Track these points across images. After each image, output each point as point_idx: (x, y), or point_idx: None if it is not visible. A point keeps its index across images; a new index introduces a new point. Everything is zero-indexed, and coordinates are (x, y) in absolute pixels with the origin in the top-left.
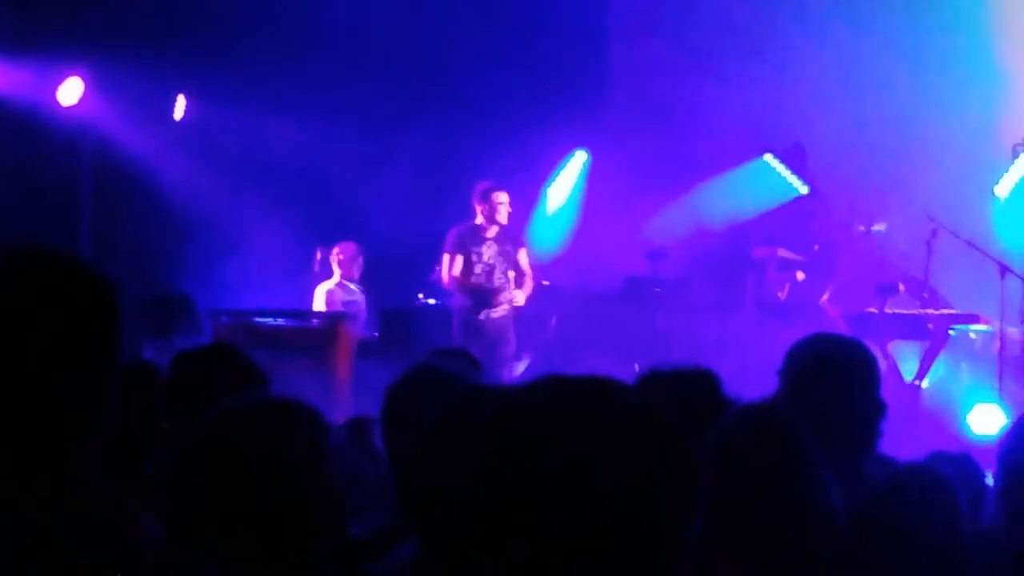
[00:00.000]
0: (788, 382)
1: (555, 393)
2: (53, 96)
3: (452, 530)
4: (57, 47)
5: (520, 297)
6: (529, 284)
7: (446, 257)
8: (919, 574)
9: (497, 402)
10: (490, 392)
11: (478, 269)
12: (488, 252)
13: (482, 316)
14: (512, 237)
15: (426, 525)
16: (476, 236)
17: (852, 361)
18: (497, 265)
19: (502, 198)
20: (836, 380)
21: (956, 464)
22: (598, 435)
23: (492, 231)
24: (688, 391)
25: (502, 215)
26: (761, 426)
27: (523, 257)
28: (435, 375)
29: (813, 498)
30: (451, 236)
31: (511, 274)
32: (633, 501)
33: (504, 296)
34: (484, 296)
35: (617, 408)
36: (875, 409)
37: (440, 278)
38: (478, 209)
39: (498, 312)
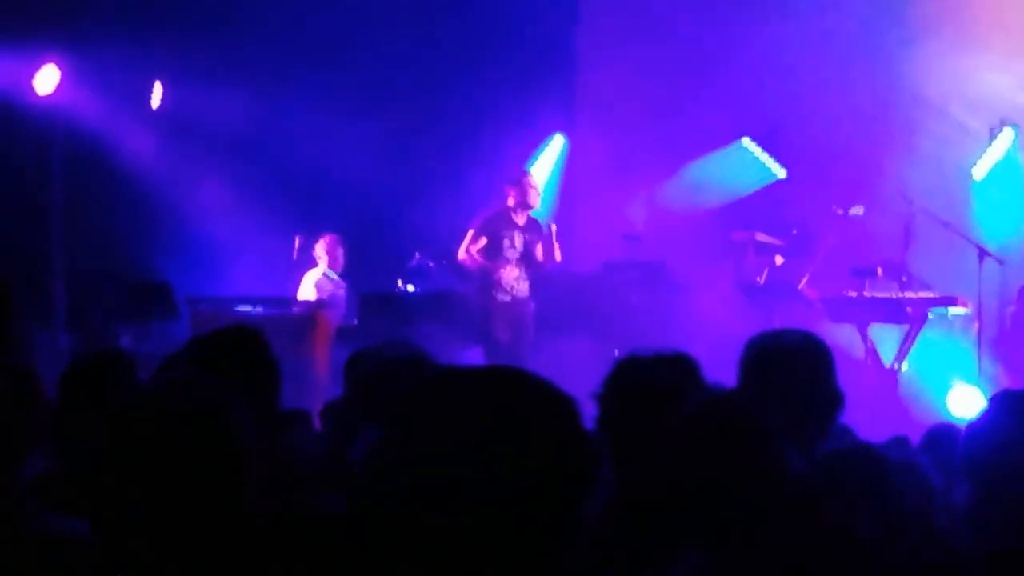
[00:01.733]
0: (741, 376)
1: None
2: (29, 84)
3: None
4: (31, 34)
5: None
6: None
7: (469, 233)
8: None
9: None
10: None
11: (510, 255)
12: (519, 239)
13: (504, 298)
14: (539, 226)
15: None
16: (506, 221)
17: (802, 354)
18: (528, 252)
19: (534, 181)
20: (786, 374)
21: (927, 446)
22: (496, 428)
23: (522, 218)
24: (667, 375)
25: (534, 199)
26: (725, 417)
27: (545, 242)
28: (399, 363)
29: (776, 481)
30: (479, 216)
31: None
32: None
33: (516, 278)
34: (488, 276)
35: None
36: (828, 401)
37: (457, 254)
38: (510, 194)
39: (520, 293)
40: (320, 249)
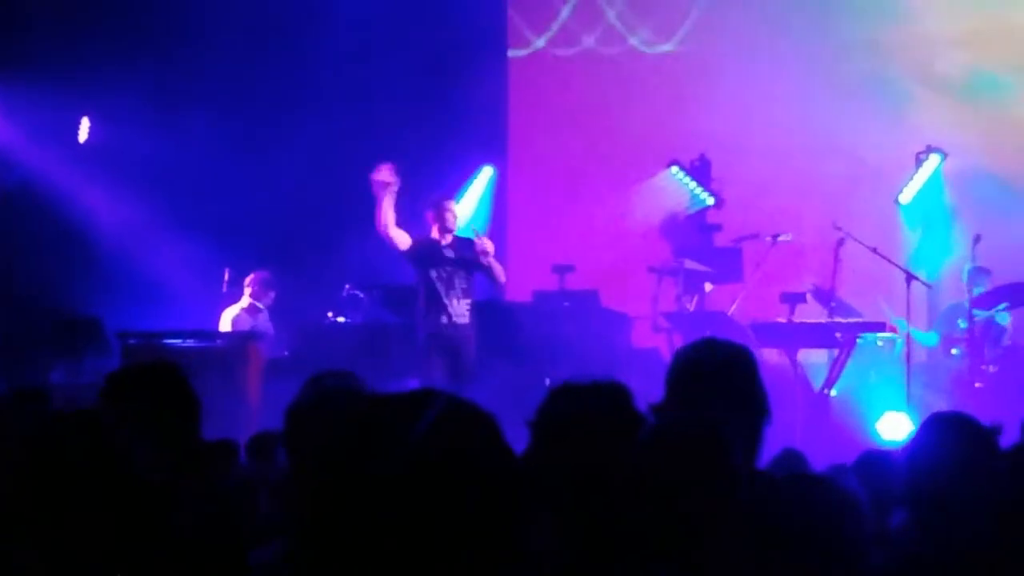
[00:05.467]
0: (670, 388)
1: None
2: None
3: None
4: None
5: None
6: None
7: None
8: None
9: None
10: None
11: (436, 275)
12: (447, 264)
13: (444, 321)
14: (466, 240)
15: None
16: (434, 249)
17: (729, 365)
18: (455, 273)
19: (451, 206)
20: (714, 384)
21: (858, 472)
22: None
23: (447, 240)
24: (600, 404)
25: (451, 222)
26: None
27: (484, 243)
28: (338, 392)
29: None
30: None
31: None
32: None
33: (459, 300)
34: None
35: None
36: (757, 412)
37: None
38: (430, 219)
39: (460, 319)
40: (248, 285)
